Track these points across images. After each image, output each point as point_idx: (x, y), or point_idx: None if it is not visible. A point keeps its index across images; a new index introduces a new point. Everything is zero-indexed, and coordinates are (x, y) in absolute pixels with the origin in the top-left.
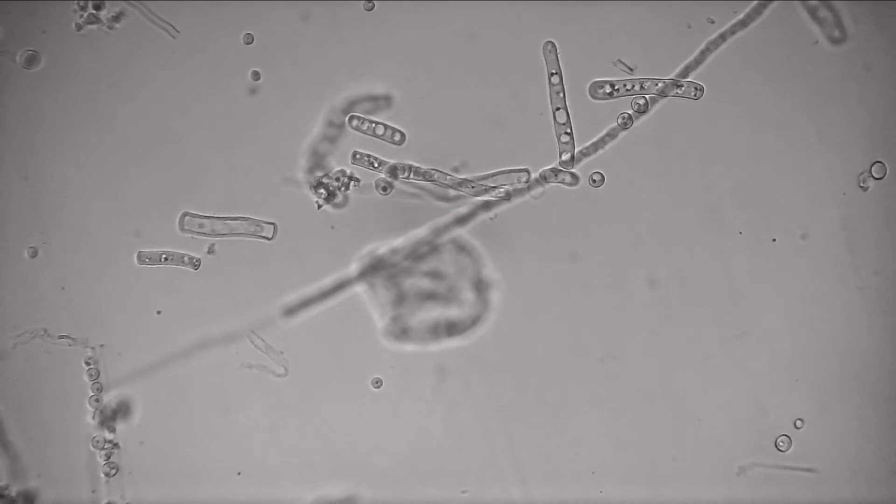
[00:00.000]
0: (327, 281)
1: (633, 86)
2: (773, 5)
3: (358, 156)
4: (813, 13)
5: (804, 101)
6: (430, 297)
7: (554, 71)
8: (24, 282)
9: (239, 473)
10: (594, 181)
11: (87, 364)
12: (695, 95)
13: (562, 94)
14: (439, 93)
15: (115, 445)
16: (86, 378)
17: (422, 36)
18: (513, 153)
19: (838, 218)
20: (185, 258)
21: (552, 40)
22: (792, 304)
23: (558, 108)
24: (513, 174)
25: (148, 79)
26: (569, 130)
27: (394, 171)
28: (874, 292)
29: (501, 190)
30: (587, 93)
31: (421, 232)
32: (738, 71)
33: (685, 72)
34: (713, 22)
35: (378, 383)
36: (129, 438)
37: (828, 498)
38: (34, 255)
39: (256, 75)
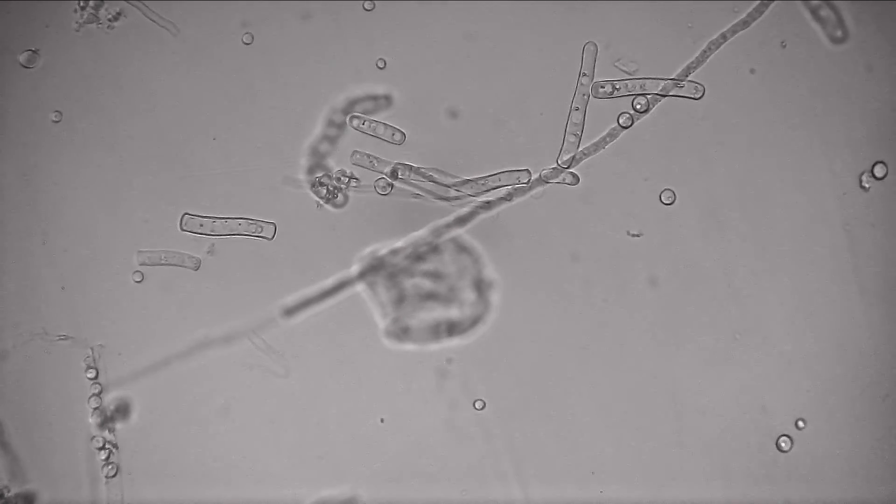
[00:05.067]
0: (327, 281)
1: (634, 86)
2: (773, 5)
3: (358, 156)
4: (814, 13)
5: (804, 101)
6: (431, 297)
7: (586, 72)
8: (25, 282)
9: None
10: (668, 203)
11: (87, 364)
12: (695, 95)
13: (586, 97)
14: (439, 93)
15: (115, 446)
16: (86, 378)
17: (422, 36)
18: (513, 153)
19: (839, 218)
20: (185, 258)
21: (594, 41)
22: (792, 304)
23: (577, 108)
24: (513, 174)
25: (148, 78)
26: (578, 132)
27: (394, 171)
28: (874, 292)
29: (502, 190)
30: (589, 92)
31: (421, 232)
32: (738, 71)
33: (686, 72)
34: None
35: (482, 405)
36: (128, 438)
37: (828, 498)
38: (141, 280)
39: (383, 62)
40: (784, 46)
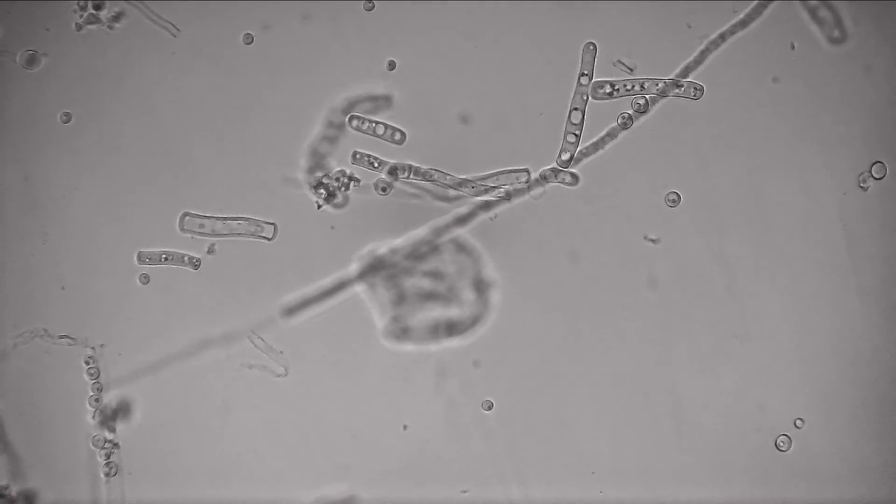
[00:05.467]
0: (327, 281)
1: (634, 86)
2: (773, 5)
3: (358, 156)
4: (813, 13)
5: (804, 101)
6: (430, 297)
7: (585, 72)
8: (25, 282)
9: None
10: (672, 202)
11: (87, 364)
12: (695, 95)
13: (585, 97)
14: (439, 93)
15: (115, 445)
16: (86, 378)
17: (422, 36)
18: (513, 153)
19: (838, 218)
20: (185, 258)
21: (594, 42)
22: (791, 304)
23: (575, 109)
24: (513, 174)
25: (148, 78)
26: (577, 132)
27: (394, 171)
28: (874, 292)
29: (501, 190)
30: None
31: (421, 232)
32: (738, 71)
33: (685, 72)
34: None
35: (489, 407)
36: (129, 438)
37: (826, 498)
38: (147, 282)
39: (392, 65)
40: (793, 48)
